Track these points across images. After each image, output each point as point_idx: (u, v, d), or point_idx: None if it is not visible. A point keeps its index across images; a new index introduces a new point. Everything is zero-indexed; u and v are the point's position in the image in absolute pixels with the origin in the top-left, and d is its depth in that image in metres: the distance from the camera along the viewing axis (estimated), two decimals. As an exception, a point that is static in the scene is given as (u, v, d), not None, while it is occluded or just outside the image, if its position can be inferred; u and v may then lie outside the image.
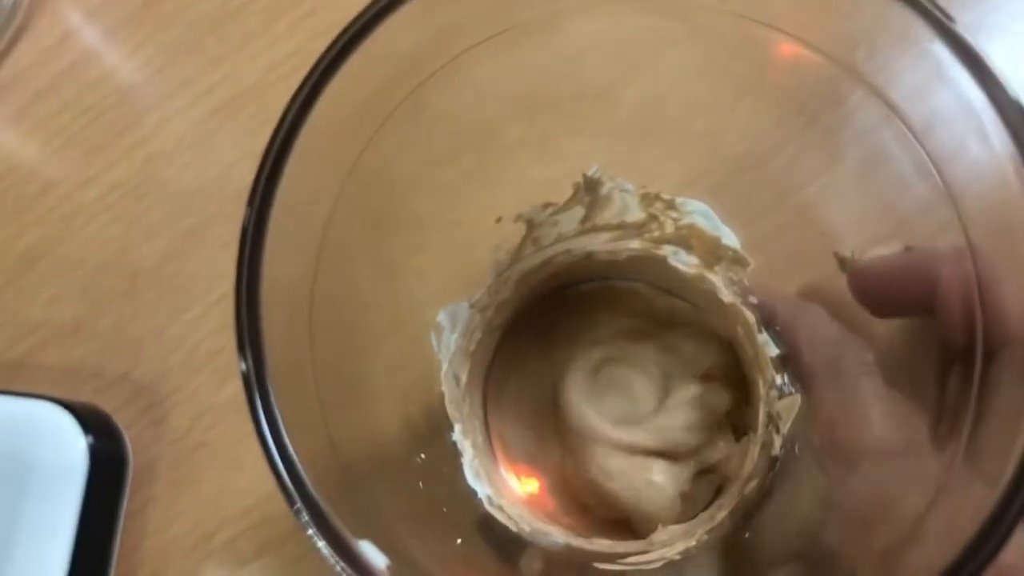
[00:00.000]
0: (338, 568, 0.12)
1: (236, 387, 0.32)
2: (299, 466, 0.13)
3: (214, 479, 0.32)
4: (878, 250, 0.23)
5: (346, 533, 0.12)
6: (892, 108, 0.19)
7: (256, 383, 0.13)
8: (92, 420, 0.30)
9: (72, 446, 0.29)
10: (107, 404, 0.32)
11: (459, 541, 0.19)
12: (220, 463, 0.32)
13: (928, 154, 0.18)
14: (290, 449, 0.13)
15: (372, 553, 0.13)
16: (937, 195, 0.20)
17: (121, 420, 0.32)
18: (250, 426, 0.34)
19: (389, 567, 0.13)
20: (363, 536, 0.13)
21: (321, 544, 0.12)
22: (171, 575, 0.31)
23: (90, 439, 0.29)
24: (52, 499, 0.29)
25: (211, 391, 0.32)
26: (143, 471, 0.32)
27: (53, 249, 0.35)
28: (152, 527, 0.31)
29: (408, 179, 0.21)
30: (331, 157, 0.16)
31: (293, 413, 0.13)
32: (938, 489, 0.18)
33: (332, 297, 0.17)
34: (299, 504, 0.12)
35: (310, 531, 0.12)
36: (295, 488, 0.12)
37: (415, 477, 0.20)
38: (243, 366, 0.13)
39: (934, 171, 0.18)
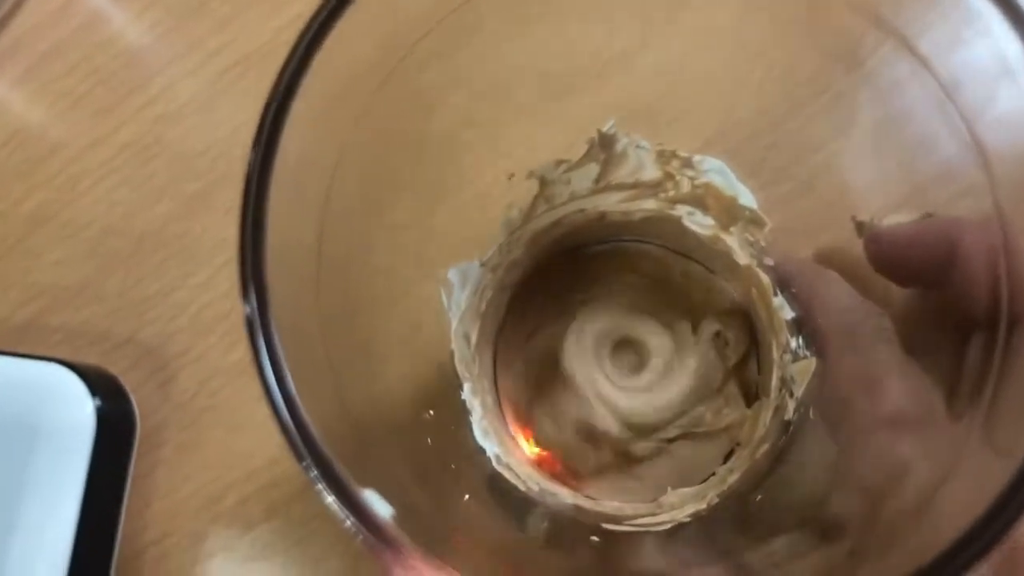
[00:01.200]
0: (342, 516, 0.12)
1: (244, 350, 0.32)
2: (304, 415, 0.12)
3: (222, 442, 0.32)
4: (897, 216, 0.22)
5: (350, 482, 0.12)
6: (921, 60, 0.18)
7: (260, 324, 0.12)
8: (100, 382, 0.30)
9: (80, 408, 0.29)
10: (114, 366, 0.32)
11: (467, 497, 0.19)
12: (228, 426, 0.32)
13: (958, 109, 0.17)
14: (296, 399, 0.12)
15: (377, 503, 0.12)
16: (964, 154, 0.19)
17: (128, 383, 0.32)
18: (259, 388, 0.34)
19: (394, 516, 0.12)
20: (377, 486, 0.13)
21: (323, 489, 0.12)
22: (179, 537, 0.31)
23: (98, 401, 0.29)
24: (59, 462, 0.28)
25: (219, 354, 0.32)
26: (150, 434, 0.32)
27: (60, 212, 0.34)
28: (160, 490, 0.31)
29: (418, 136, 0.20)
30: (336, 107, 0.16)
31: (300, 368, 0.13)
32: (953, 461, 0.18)
33: (340, 253, 0.16)
34: (304, 452, 0.12)
35: (313, 477, 0.12)
36: (301, 438, 0.12)
37: (424, 434, 0.20)
38: (247, 308, 0.13)
39: (963, 127, 0.17)
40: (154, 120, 0.35)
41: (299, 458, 0.12)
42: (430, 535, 0.14)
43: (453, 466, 0.20)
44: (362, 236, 0.18)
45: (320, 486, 0.12)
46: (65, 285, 0.34)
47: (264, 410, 0.29)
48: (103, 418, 0.29)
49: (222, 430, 0.31)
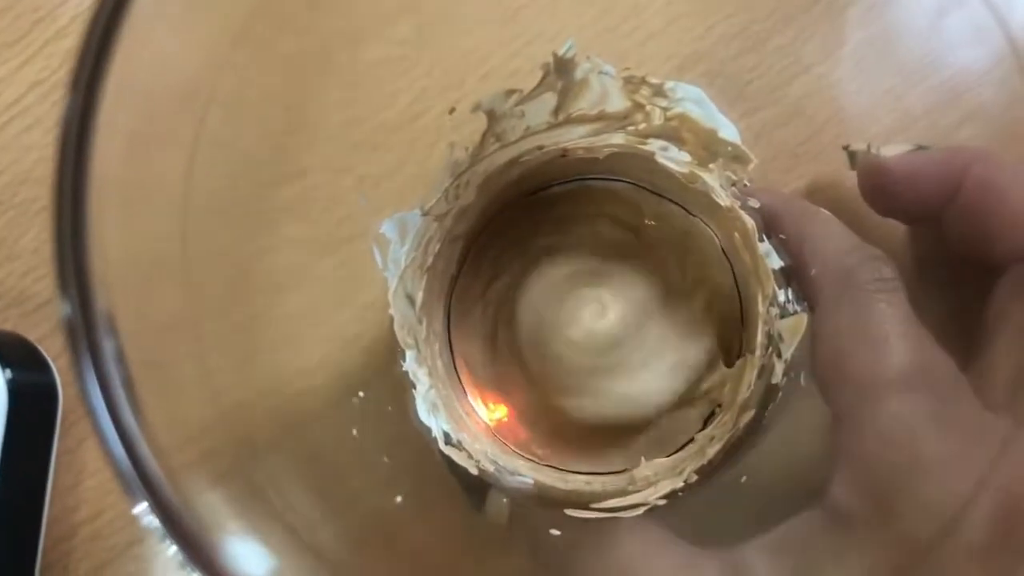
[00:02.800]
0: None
1: (185, 300, 0.30)
2: (143, 448, 0.09)
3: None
4: (894, 146, 0.20)
5: (207, 534, 0.09)
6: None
7: (85, 335, 0.09)
8: (13, 351, 0.27)
9: (-10, 382, 0.26)
10: (33, 332, 0.29)
11: (399, 499, 0.16)
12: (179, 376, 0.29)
13: (990, 7, 0.14)
14: (131, 427, 0.09)
15: (250, 556, 0.10)
16: (986, 62, 0.17)
17: (49, 349, 0.29)
18: (204, 341, 0.31)
19: (275, 570, 0.10)
20: (255, 527, 0.10)
21: (174, 552, 0.09)
22: (113, 515, 0.28)
23: (9, 373, 0.26)
24: (-30, 441, 0.26)
25: (149, 314, 0.29)
26: (77, 404, 0.29)
27: (-35, 159, 0.31)
28: (91, 464, 0.29)
29: (330, 59, 0.17)
30: (207, 10, 0.12)
31: (151, 371, 0.10)
32: (974, 436, 0.15)
33: (221, 212, 0.13)
34: (141, 494, 0.09)
35: (151, 526, 0.09)
36: (138, 477, 0.09)
37: (348, 425, 0.17)
38: (65, 308, 0.10)
39: (995, 26, 0.14)
40: (66, 53, 0.32)
41: (133, 502, 0.09)
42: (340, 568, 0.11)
43: (386, 458, 0.18)
44: (255, 188, 0.15)
45: (166, 540, 0.09)
46: (-26, 242, 0.30)
47: (201, 369, 0.26)
48: (18, 390, 0.27)
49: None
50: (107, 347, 0.09)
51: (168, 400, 0.11)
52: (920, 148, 0.20)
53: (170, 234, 0.12)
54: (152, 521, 0.09)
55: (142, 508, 0.09)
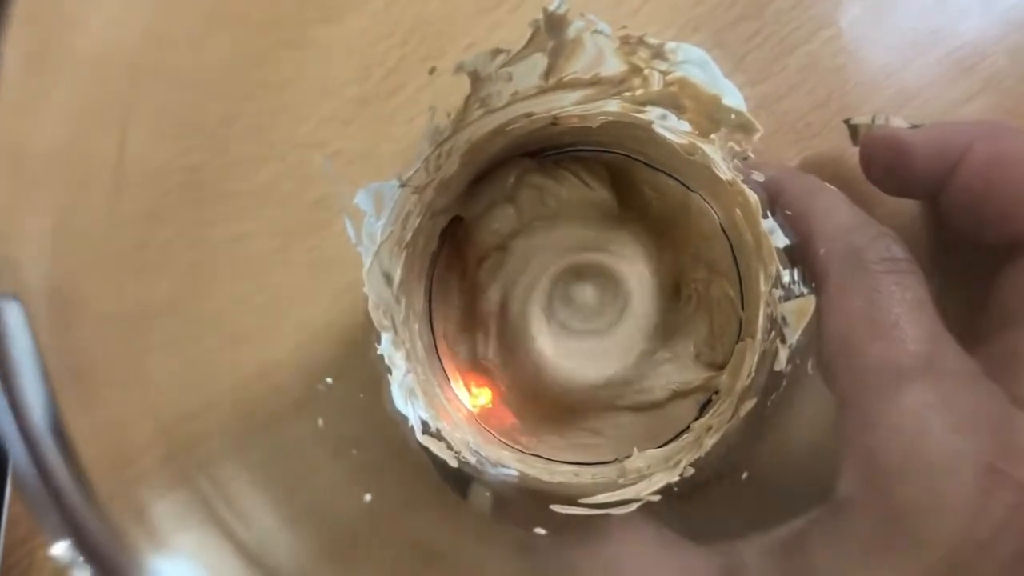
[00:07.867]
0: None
1: (133, 292, 0.28)
2: (59, 471, 0.08)
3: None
4: (896, 120, 0.20)
5: (144, 562, 0.08)
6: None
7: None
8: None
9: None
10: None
11: (368, 497, 0.15)
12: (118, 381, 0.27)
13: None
14: (43, 438, 0.08)
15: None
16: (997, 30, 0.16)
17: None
18: (156, 337, 0.30)
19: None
20: (197, 549, 0.09)
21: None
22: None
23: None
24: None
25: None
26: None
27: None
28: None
29: (301, 28, 0.15)
30: None
31: (79, 376, 0.08)
32: (985, 427, 0.14)
33: (178, 193, 0.11)
34: (56, 529, 0.08)
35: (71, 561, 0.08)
36: (54, 504, 0.08)
37: (312, 415, 0.16)
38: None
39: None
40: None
41: (49, 538, 0.07)
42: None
43: (355, 451, 0.16)
44: (221, 168, 0.13)
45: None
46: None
47: (140, 370, 0.25)
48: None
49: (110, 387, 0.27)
50: (18, 339, 0.08)
51: (99, 407, 0.09)
52: (915, 127, 0.19)
53: (101, 217, 0.10)
54: (70, 555, 0.08)
55: (57, 544, 0.07)
